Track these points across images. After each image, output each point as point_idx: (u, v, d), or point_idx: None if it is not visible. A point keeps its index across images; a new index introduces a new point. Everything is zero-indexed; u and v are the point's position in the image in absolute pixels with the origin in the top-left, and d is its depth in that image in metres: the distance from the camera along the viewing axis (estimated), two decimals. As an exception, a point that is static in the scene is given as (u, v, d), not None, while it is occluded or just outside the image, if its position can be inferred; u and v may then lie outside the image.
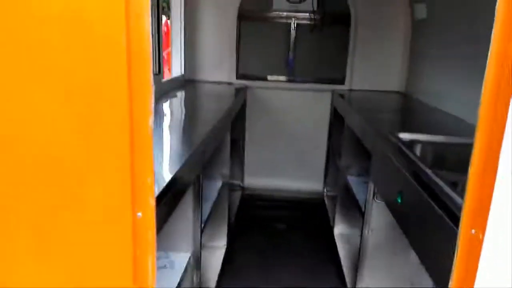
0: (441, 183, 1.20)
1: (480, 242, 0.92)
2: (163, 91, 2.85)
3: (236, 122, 3.53)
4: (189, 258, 1.68)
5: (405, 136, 1.81)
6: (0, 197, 0.86)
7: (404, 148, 1.59)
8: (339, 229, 2.95)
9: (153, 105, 0.89)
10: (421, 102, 2.91)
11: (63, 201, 0.88)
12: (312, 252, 2.92)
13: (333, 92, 3.60)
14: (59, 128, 0.84)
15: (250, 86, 3.64)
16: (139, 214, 0.92)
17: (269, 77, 3.72)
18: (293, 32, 3.64)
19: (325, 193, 3.73)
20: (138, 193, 0.91)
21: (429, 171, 1.29)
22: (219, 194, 2.39)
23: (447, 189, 1.14)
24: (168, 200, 1.25)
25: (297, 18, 3.60)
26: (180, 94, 2.99)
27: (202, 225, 1.96)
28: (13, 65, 0.81)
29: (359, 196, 2.38)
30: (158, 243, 1.69)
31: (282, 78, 3.73)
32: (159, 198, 1.19)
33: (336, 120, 3.40)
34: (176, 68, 3.43)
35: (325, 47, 3.68)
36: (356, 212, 2.45)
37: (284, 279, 2.57)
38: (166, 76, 3.32)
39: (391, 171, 1.63)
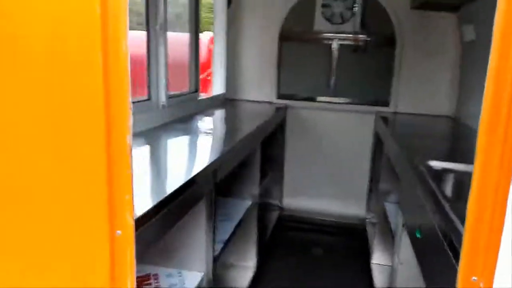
0: (457, 220, 1.08)
1: (483, 290, 0.81)
2: (199, 109, 2.89)
3: (275, 141, 3.51)
4: (202, 278, 1.65)
5: (436, 164, 1.67)
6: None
7: (427, 178, 1.46)
8: (376, 259, 2.79)
9: (131, 123, 0.89)
10: (469, 128, 2.71)
11: (40, 218, 0.89)
12: (347, 282, 2.77)
13: (376, 114, 3.46)
14: (34, 145, 0.86)
15: (290, 106, 3.61)
16: (119, 232, 0.92)
17: (310, 97, 3.66)
18: (335, 52, 3.57)
19: (367, 219, 3.56)
20: (117, 211, 0.90)
21: (447, 206, 1.17)
22: (246, 213, 2.35)
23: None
24: (169, 213, 1.25)
25: (339, 38, 3.53)
26: (217, 112, 3.02)
27: (222, 244, 1.94)
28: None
29: (393, 225, 2.24)
30: (171, 260, 1.70)
31: (324, 98, 3.65)
32: (157, 208, 1.18)
33: (379, 143, 3.25)
34: (217, 86, 3.48)
35: (369, 68, 3.56)
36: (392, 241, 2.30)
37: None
38: (207, 94, 3.38)
39: (414, 201, 1.51)
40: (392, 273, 1.89)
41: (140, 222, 1.12)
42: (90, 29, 0.80)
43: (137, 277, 1.63)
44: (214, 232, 1.65)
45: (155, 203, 1.19)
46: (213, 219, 1.62)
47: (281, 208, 3.68)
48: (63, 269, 0.91)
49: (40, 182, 0.87)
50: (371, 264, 2.76)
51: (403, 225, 1.83)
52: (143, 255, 1.69)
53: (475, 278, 0.83)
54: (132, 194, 0.91)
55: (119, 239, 0.92)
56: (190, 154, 1.89)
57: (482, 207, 0.80)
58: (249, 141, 2.17)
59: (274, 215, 3.52)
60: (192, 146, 2.06)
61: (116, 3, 0.81)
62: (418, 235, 1.35)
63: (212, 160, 1.58)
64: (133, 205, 0.91)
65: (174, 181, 1.40)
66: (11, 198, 0.88)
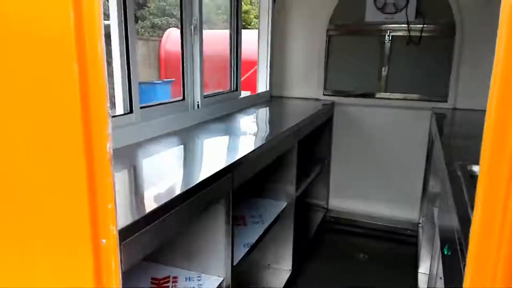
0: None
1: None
2: (240, 108, 2.86)
3: (321, 140, 3.39)
4: (220, 283, 1.62)
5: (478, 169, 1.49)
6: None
7: (463, 185, 1.30)
8: (423, 268, 2.58)
9: (110, 130, 0.86)
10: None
11: (21, 229, 0.90)
12: (391, 290, 2.61)
13: (433, 110, 3.20)
14: (13, 157, 0.86)
15: (338, 102, 3.46)
16: (103, 241, 0.91)
17: (360, 93, 3.48)
18: (387, 45, 3.35)
19: (419, 224, 3.32)
20: (100, 220, 0.89)
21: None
22: (280, 215, 2.28)
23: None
24: (182, 211, 1.24)
25: (392, 30, 3.31)
26: (257, 111, 2.98)
27: (248, 248, 1.90)
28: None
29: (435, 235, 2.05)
30: (193, 263, 1.69)
31: (374, 94, 3.45)
32: (168, 206, 1.18)
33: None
34: (261, 84, 3.44)
35: (425, 61, 3.30)
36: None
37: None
38: (250, 92, 3.35)
39: (446, 212, 1.35)
40: (430, 286, 1.73)
41: (153, 217, 1.12)
42: (63, 32, 0.79)
43: (157, 279, 1.65)
44: (232, 237, 1.61)
45: (166, 200, 1.19)
46: (231, 223, 1.58)
47: (326, 209, 3.55)
48: (48, 279, 0.92)
49: (20, 193, 0.88)
50: (418, 274, 2.57)
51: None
52: (167, 256, 1.71)
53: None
54: (115, 202, 0.89)
55: (104, 247, 0.92)
56: (210, 155, 1.86)
57: (487, 228, 0.67)
58: (279, 142, 2.10)
59: (319, 216, 3.41)
60: (218, 146, 2.03)
61: (90, 4, 0.79)
62: (446, 252, 1.20)
63: (228, 163, 1.53)
64: (116, 214, 0.90)
65: (180, 183, 1.39)
66: None
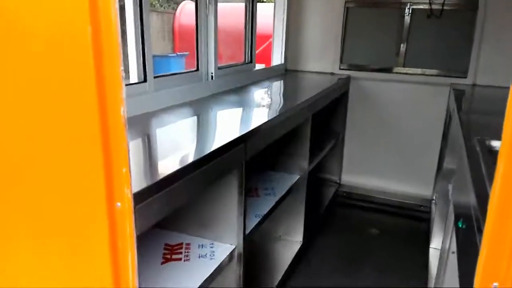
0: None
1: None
2: (254, 80, 2.84)
3: (335, 114, 3.36)
4: (232, 251, 1.65)
5: (498, 144, 1.46)
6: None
7: (481, 160, 1.28)
8: (435, 244, 2.58)
9: (124, 94, 0.86)
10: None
11: (36, 194, 0.91)
12: (401, 266, 2.61)
13: (451, 86, 3.13)
14: (29, 121, 0.87)
15: (354, 77, 3.40)
16: (118, 204, 0.92)
17: (377, 68, 3.41)
18: (407, 18, 3.25)
19: (432, 201, 3.30)
20: (115, 184, 0.90)
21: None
22: (292, 188, 2.29)
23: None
24: (195, 178, 1.26)
25: (412, 2, 3.20)
26: (273, 83, 2.95)
27: (260, 218, 1.92)
28: None
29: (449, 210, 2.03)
30: (208, 231, 1.72)
31: (392, 69, 3.38)
32: (180, 173, 1.19)
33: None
34: (276, 57, 3.39)
35: (445, 35, 3.20)
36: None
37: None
38: (264, 65, 3.31)
39: (462, 186, 1.33)
40: (441, 261, 1.73)
41: (165, 184, 1.14)
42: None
43: (170, 245, 1.68)
44: (245, 206, 1.62)
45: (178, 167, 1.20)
46: (244, 193, 1.59)
47: (339, 184, 3.55)
48: (64, 242, 0.94)
49: (38, 158, 0.89)
50: (430, 249, 2.57)
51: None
52: (180, 224, 1.74)
53: (496, 285, 0.70)
54: (129, 166, 0.90)
55: (119, 211, 0.93)
56: (223, 125, 1.86)
57: (506, 202, 0.66)
58: (293, 114, 2.08)
59: (331, 191, 3.41)
60: (231, 117, 2.02)
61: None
62: (460, 225, 1.19)
63: (241, 133, 1.53)
64: (130, 178, 0.91)
65: (193, 152, 1.39)
66: (7, 177, 0.91)
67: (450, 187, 2.37)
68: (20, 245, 0.95)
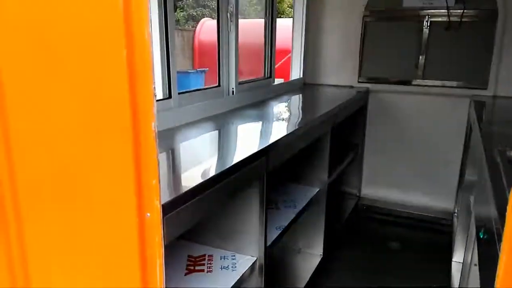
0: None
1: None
2: (273, 95, 2.89)
3: (355, 127, 3.38)
4: (254, 263, 1.68)
5: (519, 155, 1.46)
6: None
7: (502, 171, 1.28)
8: (458, 257, 2.55)
9: (155, 110, 0.92)
10: None
11: (72, 204, 0.97)
12: (422, 280, 2.58)
13: (471, 98, 3.11)
14: (65, 134, 0.93)
15: (373, 89, 3.42)
16: (148, 214, 0.97)
17: (395, 80, 3.42)
18: (425, 31, 3.27)
19: (454, 214, 3.26)
20: (145, 195, 0.95)
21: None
22: (312, 200, 2.31)
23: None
24: (216, 192, 1.30)
25: (430, 15, 3.22)
26: (290, 98, 2.99)
27: (280, 231, 1.94)
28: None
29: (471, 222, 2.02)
30: (230, 243, 1.75)
31: (411, 81, 3.39)
32: (204, 186, 1.23)
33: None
34: (295, 71, 3.45)
35: (464, 47, 3.20)
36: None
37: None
38: (283, 80, 3.36)
39: (484, 197, 1.34)
40: (463, 274, 1.71)
41: (190, 196, 1.18)
42: (114, 20, 0.84)
43: (193, 257, 1.72)
44: (266, 218, 1.65)
45: (202, 180, 1.24)
46: (265, 205, 1.62)
47: (359, 197, 3.54)
48: (95, 251, 0.99)
49: (72, 172, 0.95)
50: (452, 262, 2.54)
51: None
52: (203, 236, 1.78)
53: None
54: (159, 178, 0.95)
55: (148, 221, 0.98)
56: (244, 139, 1.91)
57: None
58: (312, 127, 2.12)
59: (351, 204, 3.41)
60: (252, 131, 2.07)
61: (138, -4, 0.84)
62: (481, 236, 1.20)
63: (262, 147, 1.57)
64: (160, 189, 0.96)
65: (215, 165, 1.44)
66: (43, 189, 0.97)
67: (471, 199, 2.35)
68: (52, 256, 1.01)
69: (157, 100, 1.88)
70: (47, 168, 0.96)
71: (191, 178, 1.37)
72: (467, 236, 1.89)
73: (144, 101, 0.91)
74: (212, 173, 1.35)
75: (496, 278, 0.74)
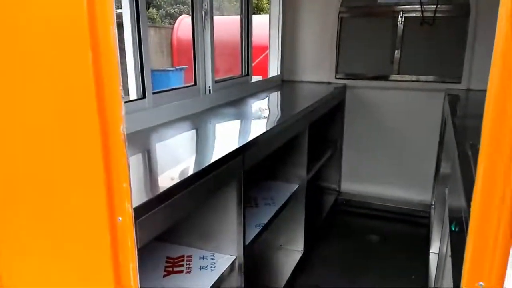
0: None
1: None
2: (251, 92, 2.89)
3: (333, 123, 3.40)
4: (233, 262, 1.68)
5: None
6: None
7: (472, 164, 1.31)
8: (434, 248, 2.60)
9: (123, 112, 0.90)
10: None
11: (40, 210, 0.95)
12: (402, 271, 2.63)
13: (446, 92, 3.17)
14: (32, 140, 0.91)
15: (350, 85, 3.45)
16: (120, 218, 0.96)
17: (372, 76, 3.46)
18: (400, 26, 3.31)
19: (431, 206, 3.32)
20: (116, 199, 0.94)
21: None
22: (291, 197, 2.32)
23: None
24: (193, 192, 1.29)
25: (405, 11, 3.26)
26: (268, 95, 2.99)
27: (260, 228, 1.94)
28: None
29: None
30: (208, 243, 1.74)
31: (387, 76, 3.43)
32: (179, 186, 1.22)
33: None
34: (272, 68, 3.45)
35: (438, 42, 3.25)
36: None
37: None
38: (261, 77, 3.36)
39: (455, 189, 1.37)
40: (439, 264, 1.75)
41: (165, 197, 1.17)
42: (77, 19, 0.82)
43: (172, 258, 1.71)
44: (244, 217, 1.65)
45: (177, 181, 1.23)
46: (243, 204, 1.62)
47: (339, 192, 3.58)
48: (67, 256, 0.97)
49: (40, 177, 0.93)
50: (430, 254, 2.59)
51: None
52: (181, 237, 1.77)
53: (482, 284, 0.73)
54: (129, 182, 0.93)
55: (120, 225, 0.96)
56: (222, 138, 1.90)
57: (489, 203, 0.70)
58: (290, 124, 2.12)
59: (331, 199, 3.44)
60: (229, 130, 2.07)
61: (102, -5, 0.82)
62: (453, 228, 1.22)
63: (240, 145, 1.57)
64: (131, 193, 0.94)
65: (193, 165, 1.43)
66: (11, 194, 0.95)
67: (446, 191, 2.40)
68: (24, 259, 0.98)
69: (131, 101, 1.86)
70: (14, 172, 0.94)
71: (167, 179, 1.36)
72: (442, 228, 1.93)
73: (112, 104, 0.89)
74: (189, 173, 1.34)
75: (463, 269, 0.76)
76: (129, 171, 0.93)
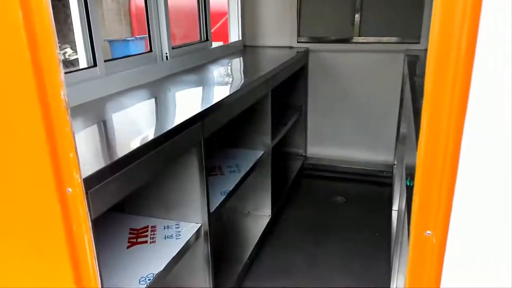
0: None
1: (436, 246, 0.73)
2: (211, 59, 2.82)
3: (296, 88, 3.39)
4: (198, 229, 1.68)
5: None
6: None
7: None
8: (396, 206, 2.70)
9: (63, 77, 0.85)
10: None
11: None
12: (367, 230, 2.71)
13: (405, 53, 3.21)
14: None
15: (312, 49, 3.43)
16: (69, 189, 0.92)
17: (334, 39, 3.45)
18: (360, -13, 3.28)
19: (394, 166, 3.42)
20: (64, 169, 0.89)
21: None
22: (256, 163, 2.32)
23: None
24: (153, 157, 1.27)
25: (364, -30, 3.23)
26: (230, 61, 2.93)
27: (225, 195, 1.94)
28: None
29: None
30: (172, 213, 1.73)
31: (349, 39, 3.42)
32: (135, 154, 1.19)
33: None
34: (233, 34, 3.37)
35: (397, 2, 3.26)
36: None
37: (327, 259, 2.44)
38: (222, 43, 3.28)
39: (411, 147, 1.39)
40: (399, 221, 1.81)
41: (119, 166, 1.13)
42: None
43: (136, 229, 1.68)
44: (207, 184, 1.64)
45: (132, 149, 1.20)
46: (204, 171, 1.60)
47: (305, 157, 3.62)
48: (19, 230, 0.93)
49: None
50: (392, 211, 2.68)
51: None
52: (145, 207, 1.74)
53: (429, 232, 0.75)
54: (76, 151, 0.89)
55: (71, 196, 0.93)
56: (181, 105, 1.86)
57: (433, 155, 0.71)
58: (251, 90, 2.09)
59: (297, 164, 3.48)
60: (189, 97, 2.02)
61: None
62: (407, 183, 1.26)
63: (197, 112, 1.53)
64: (79, 162, 0.90)
65: (151, 133, 1.39)
66: None
67: (405, 149, 2.47)
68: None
69: (81, 69, 1.77)
70: None
71: (123, 148, 1.31)
72: (401, 185, 1.99)
73: (49, 68, 0.84)
74: (146, 141, 1.30)
75: (411, 219, 0.77)
76: (74, 140, 0.89)
